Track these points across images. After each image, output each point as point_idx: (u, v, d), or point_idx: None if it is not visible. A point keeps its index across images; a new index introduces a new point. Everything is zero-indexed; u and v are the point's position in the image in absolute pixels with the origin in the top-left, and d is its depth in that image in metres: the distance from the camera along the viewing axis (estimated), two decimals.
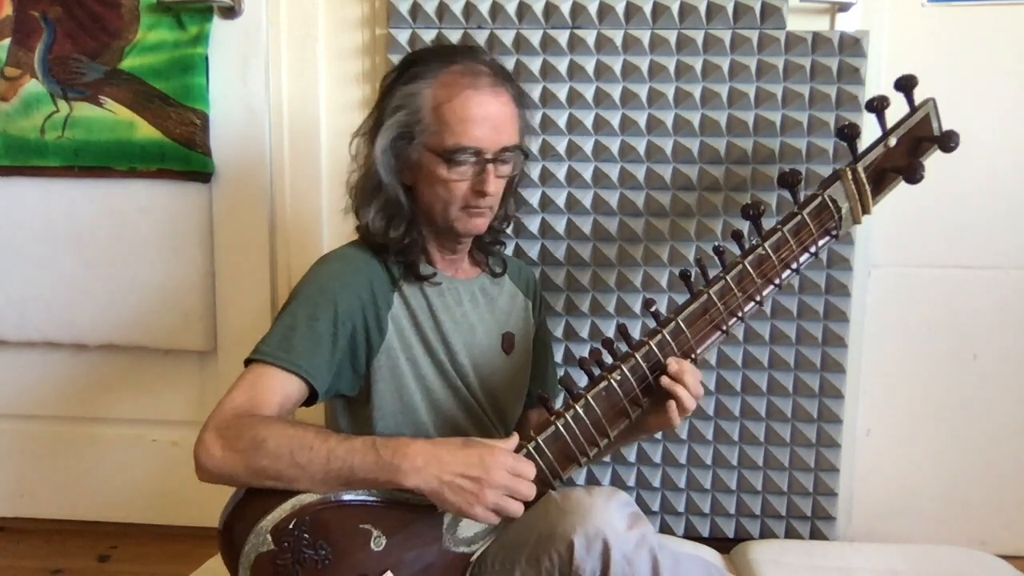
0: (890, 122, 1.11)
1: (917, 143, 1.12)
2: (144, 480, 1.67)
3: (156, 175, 1.54)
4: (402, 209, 1.10)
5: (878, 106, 1.09)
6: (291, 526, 0.92)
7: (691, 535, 1.53)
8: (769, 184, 1.43)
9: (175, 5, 1.48)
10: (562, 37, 1.43)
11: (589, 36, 1.43)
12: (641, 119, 1.44)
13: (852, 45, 1.40)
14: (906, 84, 1.10)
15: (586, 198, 1.46)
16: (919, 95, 1.11)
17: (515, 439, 1.00)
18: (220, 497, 0.98)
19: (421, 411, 1.13)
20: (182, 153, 1.52)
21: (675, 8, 1.41)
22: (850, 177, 1.09)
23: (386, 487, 0.92)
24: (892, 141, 1.10)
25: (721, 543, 1.49)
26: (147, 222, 1.56)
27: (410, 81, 1.07)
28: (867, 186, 1.10)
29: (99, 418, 1.67)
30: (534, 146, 1.44)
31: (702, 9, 1.41)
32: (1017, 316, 1.51)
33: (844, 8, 1.44)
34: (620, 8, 1.42)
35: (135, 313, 1.59)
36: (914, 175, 1.08)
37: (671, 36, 1.42)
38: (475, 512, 0.91)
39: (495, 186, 1.07)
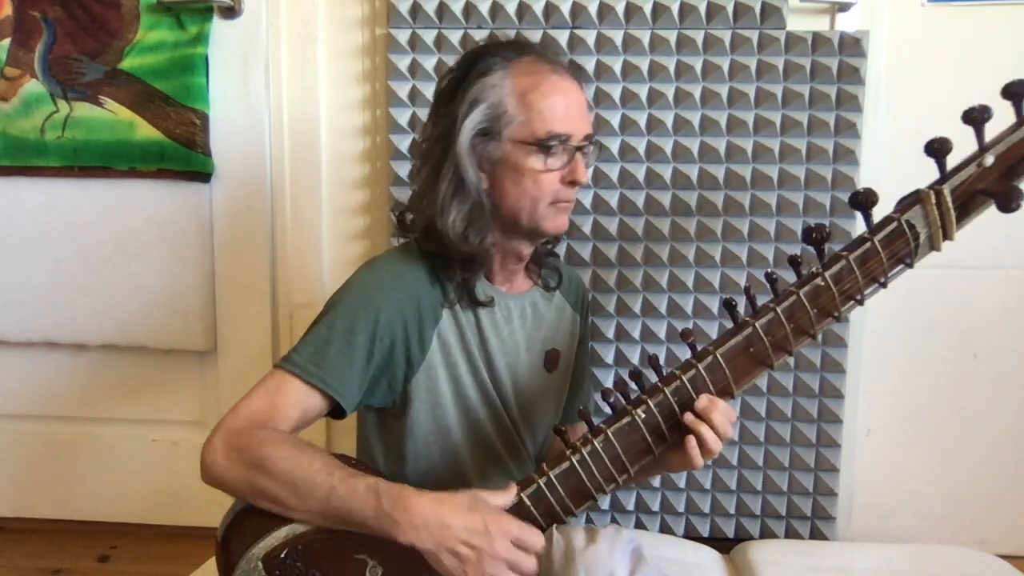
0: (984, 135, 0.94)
1: (1018, 163, 0.94)
2: (144, 480, 1.67)
3: (156, 175, 1.54)
4: (484, 213, 1.03)
5: (978, 117, 0.92)
6: (283, 555, 0.90)
7: (691, 535, 1.53)
8: (769, 184, 1.43)
9: (175, 5, 1.48)
10: (562, 37, 1.43)
11: (589, 36, 1.43)
12: (641, 119, 1.44)
13: (852, 45, 1.40)
14: (1017, 91, 0.92)
15: (586, 198, 1.46)
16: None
17: (512, 492, 0.93)
18: (220, 497, 0.98)
19: (455, 430, 1.10)
20: (182, 153, 1.52)
21: (675, 8, 1.41)
22: (934, 201, 0.93)
23: (382, 535, 0.88)
24: (988, 160, 0.93)
25: (721, 543, 1.49)
26: (147, 222, 1.56)
27: (483, 74, 1.00)
28: (952, 211, 0.93)
29: (99, 418, 1.67)
30: None
31: (702, 9, 1.41)
32: (1017, 316, 1.51)
33: (844, 8, 1.44)
34: (620, 8, 1.42)
35: (135, 313, 1.59)
36: (1010, 202, 0.90)
37: (671, 36, 1.42)
38: None
39: (587, 175, 1.03)
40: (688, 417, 0.93)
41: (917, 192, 0.95)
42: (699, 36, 1.42)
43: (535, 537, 0.89)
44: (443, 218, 1.02)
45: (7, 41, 1.53)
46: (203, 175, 1.53)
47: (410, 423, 1.07)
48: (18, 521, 1.71)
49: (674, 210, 1.46)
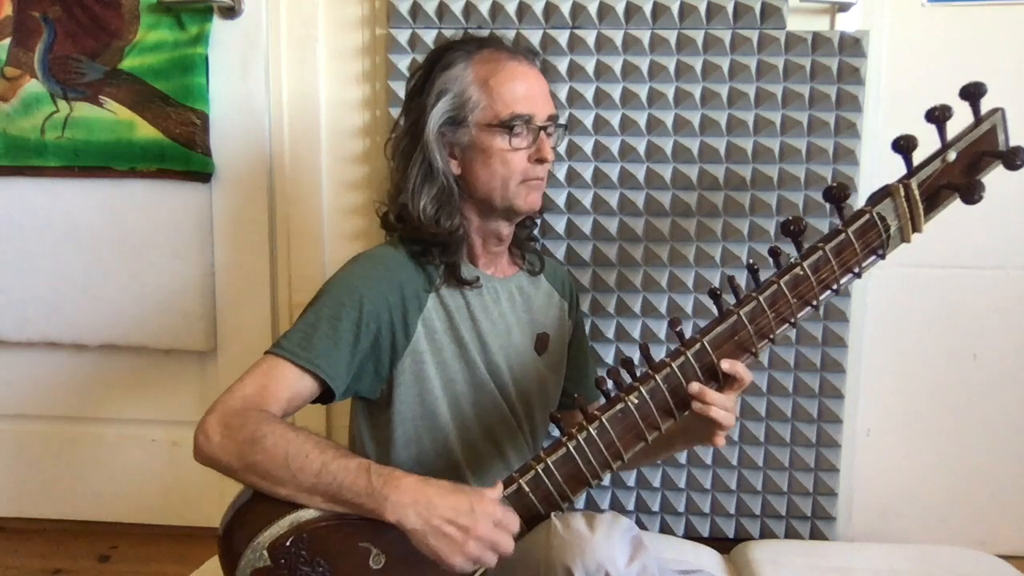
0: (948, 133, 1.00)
1: (978, 158, 1.00)
2: (144, 480, 1.67)
3: (156, 175, 1.54)
4: (454, 197, 1.10)
5: (939, 116, 0.98)
6: (288, 543, 0.91)
7: (691, 535, 1.53)
8: (769, 184, 1.43)
9: (175, 5, 1.48)
10: (562, 37, 1.43)
11: (589, 36, 1.43)
12: (641, 119, 1.44)
13: (852, 45, 1.40)
14: (974, 92, 0.98)
15: (586, 198, 1.46)
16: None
17: (500, 487, 0.96)
18: (219, 497, 0.98)
19: (444, 416, 1.12)
20: (182, 153, 1.52)
21: (675, 8, 1.41)
22: (902, 194, 0.99)
23: (369, 515, 0.89)
24: (951, 155, 0.99)
25: (721, 543, 1.49)
26: (147, 222, 1.56)
27: (447, 67, 1.08)
28: (920, 204, 0.99)
29: (99, 418, 1.67)
30: None
31: (702, 9, 1.41)
32: (1017, 316, 1.51)
33: (844, 8, 1.44)
34: (620, 8, 1.42)
35: (135, 313, 1.59)
36: (972, 195, 0.97)
37: (671, 36, 1.42)
38: (454, 561, 0.88)
39: (552, 152, 1.10)
40: (696, 404, 0.98)
41: (887, 186, 1.00)
42: (699, 36, 1.41)
43: (514, 518, 0.93)
44: (414, 203, 1.09)
45: (7, 41, 1.53)
46: (203, 175, 1.53)
47: (397, 410, 1.10)
48: (18, 521, 1.71)
49: (674, 210, 1.46)
